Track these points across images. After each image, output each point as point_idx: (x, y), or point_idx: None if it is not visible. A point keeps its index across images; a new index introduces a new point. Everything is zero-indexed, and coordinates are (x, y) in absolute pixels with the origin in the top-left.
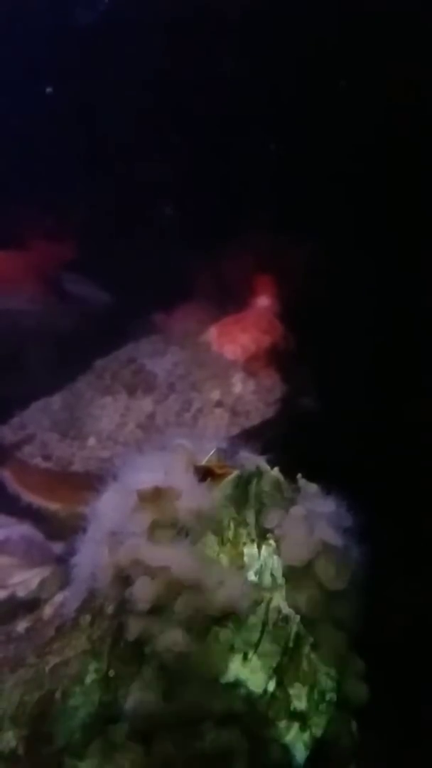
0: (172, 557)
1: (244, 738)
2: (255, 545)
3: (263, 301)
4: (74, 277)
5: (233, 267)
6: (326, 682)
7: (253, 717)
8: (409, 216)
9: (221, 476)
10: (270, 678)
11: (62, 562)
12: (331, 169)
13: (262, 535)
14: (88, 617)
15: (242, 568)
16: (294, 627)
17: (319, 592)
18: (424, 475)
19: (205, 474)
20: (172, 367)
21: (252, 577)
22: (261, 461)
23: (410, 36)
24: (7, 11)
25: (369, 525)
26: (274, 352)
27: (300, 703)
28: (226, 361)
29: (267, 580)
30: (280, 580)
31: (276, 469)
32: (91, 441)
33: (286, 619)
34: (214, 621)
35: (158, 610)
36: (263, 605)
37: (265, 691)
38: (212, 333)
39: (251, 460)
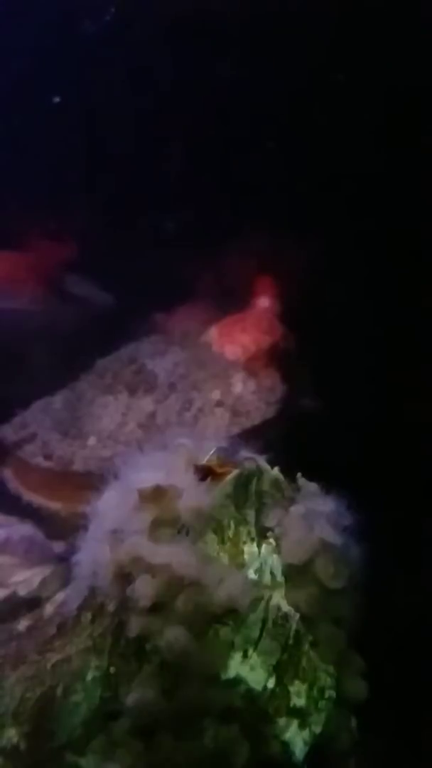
0: (173, 555)
1: (243, 735)
2: (255, 544)
3: (264, 302)
4: (76, 277)
5: (234, 267)
6: (325, 680)
7: (253, 714)
8: (409, 216)
9: (221, 475)
10: (270, 675)
11: (63, 560)
12: (331, 170)
13: (262, 534)
14: (89, 615)
15: (242, 566)
16: (293, 625)
17: (318, 591)
18: (423, 475)
19: (206, 473)
20: (172, 367)
21: (252, 575)
22: (261, 460)
23: (410, 36)
24: (14, 23)
25: (368, 524)
26: (274, 352)
27: (299, 700)
28: (227, 361)
29: (267, 578)
30: (280, 578)
31: (276, 468)
32: (92, 440)
33: (285, 617)
34: (215, 619)
35: (159, 607)
36: (263, 603)
37: (265, 688)
38: (213, 333)
39: (251, 459)
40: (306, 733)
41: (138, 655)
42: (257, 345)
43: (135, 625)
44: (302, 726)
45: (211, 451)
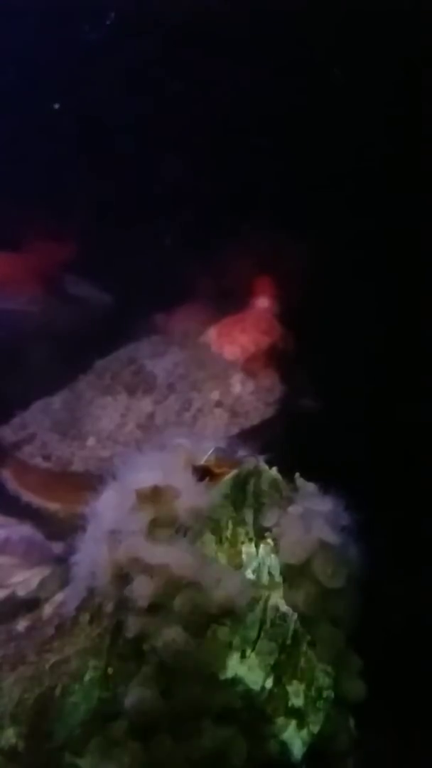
0: (171, 556)
1: (242, 735)
2: (253, 544)
3: (263, 302)
4: (75, 278)
5: (233, 268)
6: (324, 680)
7: (251, 714)
8: (409, 216)
9: (220, 476)
10: (268, 675)
11: (62, 561)
12: (331, 170)
13: (260, 534)
14: (87, 615)
15: (240, 566)
16: (292, 625)
17: (316, 590)
18: (421, 475)
19: (204, 473)
20: (172, 368)
21: (250, 575)
22: (259, 461)
23: (410, 35)
24: (14, 28)
25: (366, 523)
26: (273, 352)
27: (297, 700)
28: (226, 361)
29: (265, 578)
30: (278, 578)
31: (274, 468)
32: (91, 441)
33: (283, 617)
34: (213, 619)
35: (157, 608)
36: (261, 603)
37: (263, 688)
38: (212, 334)
39: (250, 459)
40: (304, 733)
41: (136, 655)
42: (256, 345)
43: (133, 626)
44: (300, 726)
45: (210, 452)
